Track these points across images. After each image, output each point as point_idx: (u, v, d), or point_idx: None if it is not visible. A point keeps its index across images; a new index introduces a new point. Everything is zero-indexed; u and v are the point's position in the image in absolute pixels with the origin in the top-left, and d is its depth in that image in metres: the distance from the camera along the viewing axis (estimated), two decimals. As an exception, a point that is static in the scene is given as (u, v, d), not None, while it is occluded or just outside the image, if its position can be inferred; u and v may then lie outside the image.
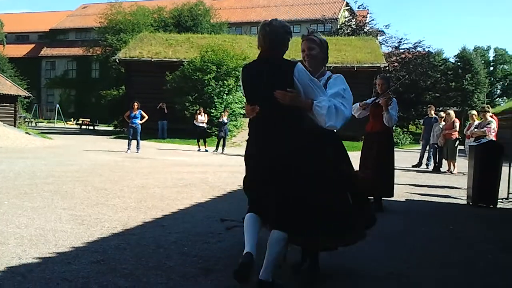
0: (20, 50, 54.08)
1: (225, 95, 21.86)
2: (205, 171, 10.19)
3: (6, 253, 3.70)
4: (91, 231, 4.52)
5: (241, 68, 3.29)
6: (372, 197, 6.01)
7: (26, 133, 20.82)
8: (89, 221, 4.92)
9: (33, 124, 35.80)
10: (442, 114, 13.08)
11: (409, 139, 27.99)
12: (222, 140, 17.33)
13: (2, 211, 5.26)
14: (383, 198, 6.19)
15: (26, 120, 33.88)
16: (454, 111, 14.03)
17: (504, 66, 59.63)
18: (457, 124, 12.33)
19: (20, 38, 56.33)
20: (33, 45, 55.98)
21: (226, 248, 4.08)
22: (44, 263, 3.49)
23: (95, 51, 41.39)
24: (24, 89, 30.85)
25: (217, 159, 14.16)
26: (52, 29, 55.64)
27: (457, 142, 12.33)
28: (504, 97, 57.01)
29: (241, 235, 4.51)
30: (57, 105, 44.59)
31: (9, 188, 6.87)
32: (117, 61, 26.45)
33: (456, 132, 12.26)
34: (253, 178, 3.20)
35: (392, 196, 6.27)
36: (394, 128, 6.68)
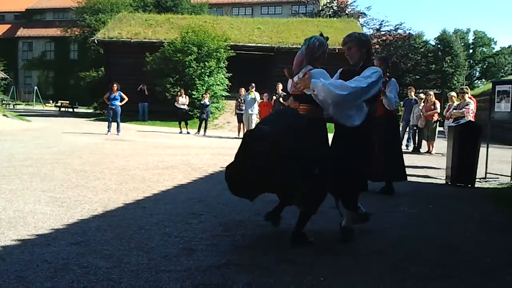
0: (-4, 31, 52.72)
1: (206, 77, 21.66)
2: (187, 153, 10.14)
3: (-17, 235, 3.64)
4: (71, 213, 4.47)
5: None
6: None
7: (4, 115, 20.37)
8: (69, 203, 4.87)
9: (11, 107, 35.02)
10: (422, 95, 13.20)
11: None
12: (204, 122, 17.26)
13: (-21, 193, 5.17)
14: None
15: (3, 102, 33.12)
16: (434, 93, 14.15)
17: (483, 48, 60.30)
18: (438, 105, 12.46)
19: (-5, 18, 54.87)
20: (9, 26, 54.47)
21: (207, 229, 4.08)
22: (23, 245, 3.45)
23: (73, 31, 40.44)
24: (1, 70, 30.16)
25: (199, 141, 14.10)
26: (28, 9, 54.16)
27: (437, 123, 12.48)
28: (483, 79, 57.75)
29: (222, 217, 4.54)
30: (35, 87, 43.74)
31: (-14, 170, 6.75)
32: (96, 42, 25.93)
33: (437, 114, 12.40)
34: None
35: (406, 179, 6.31)
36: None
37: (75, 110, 35.55)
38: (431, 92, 12.98)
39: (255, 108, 15.84)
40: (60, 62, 50.65)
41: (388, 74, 6.07)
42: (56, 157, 8.46)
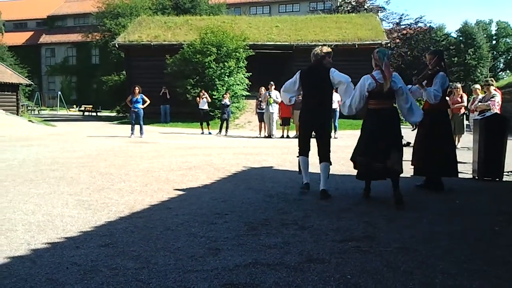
0: (19, 38, 53.72)
1: (226, 77, 21.73)
2: (209, 153, 10.18)
3: (14, 239, 3.73)
4: (98, 215, 4.54)
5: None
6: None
7: (29, 121, 20.84)
8: (96, 206, 4.94)
9: (36, 112, 35.78)
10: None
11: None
12: (225, 122, 17.31)
13: (8, 198, 5.29)
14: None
15: (28, 108, 33.87)
16: (458, 86, 13.88)
17: (507, 39, 58.91)
18: (465, 98, 12.18)
19: (18, 26, 55.92)
20: (31, 33, 55.60)
21: (232, 228, 4.10)
22: (53, 248, 3.52)
23: (94, 36, 41.04)
24: (25, 77, 30.80)
25: (220, 141, 14.16)
26: (50, 16, 55.17)
27: (464, 116, 12.23)
28: (507, 71, 56.52)
29: (246, 216, 4.55)
30: (59, 92, 44.49)
31: (14, 175, 6.89)
32: (117, 46, 26.26)
33: (463, 107, 12.15)
34: (304, 133, 5.90)
35: (457, 175, 6.26)
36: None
37: (99, 114, 36.05)
38: (459, 85, 12.66)
39: (276, 107, 15.81)
40: (82, 67, 51.48)
41: (437, 68, 6.04)
42: (82, 161, 8.60)
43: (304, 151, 5.81)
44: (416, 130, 6.54)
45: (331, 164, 5.68)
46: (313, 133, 5.79)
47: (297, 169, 6.33)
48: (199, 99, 17.84)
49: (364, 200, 5.42)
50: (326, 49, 5.78)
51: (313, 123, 5.73)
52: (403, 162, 5.26)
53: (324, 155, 5.63)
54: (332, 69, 5.62)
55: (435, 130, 6.03)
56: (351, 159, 5.61)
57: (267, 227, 4.17)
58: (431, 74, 6.04)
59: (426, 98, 6.03)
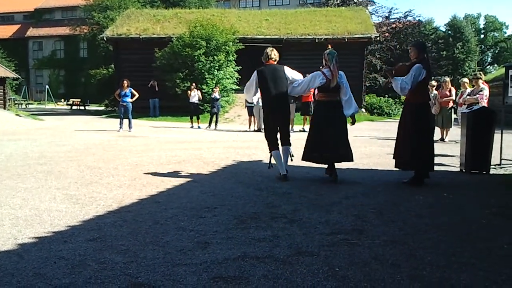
0: (6, 31, 52.98)
1: (215, 70, 21.64)
2: (199, 147, 10.16)
3: (1, 234, 3.69)
4: (86, 209, 4.51)
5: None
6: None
7: (17, 115, 20.63)
8: (84, 200, 4.91)
9: (23, 106, 35.40)
10: (433, 83, 13.01)
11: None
12: (214, 116, 17.27)
13: (-5, 193, 5.23)
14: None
15: (16, 102, 33.48)
16: (446, 80, 13.96)
17: (495, 33, 59.40)
18: (454, 92, 12.26)
19: (5, 19, 55.11)
20: (18, 26, 54.82)
21: (222, 222, 4.09)
22: (40, 243, 3.49)
23: (82, 29, 40.56)
24: (12, 70, 30.41)
25: (210, 135, 14.12)
26: (37, 9, 54.42)
27: (452, 110, 12.32)
28: (495, 65, 56.95)
29: (235, 210, 4.54)
30: (47, 86, 44.04)
31: (1, 170, 6.83)
32: (105, 39, 26.00)
33: (452, 100, 12.23)
34: (271, 130, 6.43)
35: (432, 169, 6.17)
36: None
37: (87, 108, 35.78)
38: (447, 79, 12.74)
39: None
40: (70, 60, 50.95)
41: (415, 59, 6.02)
42: (70, 155, 8.53)
43: (274, 145, 6.38)
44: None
45: (291, 146, 6.53)
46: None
47: (288, 163, 6.42)
48: (190, 92, 17.77)
49: (352, 193, 5.43)
50: (276, 52, 6.65)
51: (276, 119, 6.40)
52: (351, 149, 6.20)
53: (286, 139, 6.47)
54: (286, 67, 6.49)
55: (412, 123, 5.98)
56: (305, 159, 6.33)
57: (256, 220, 4.17)
58: (408, 66, 6.03)
59: (394, 88, 6.08)
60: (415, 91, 5.95)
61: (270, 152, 6.41)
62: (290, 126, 15.63)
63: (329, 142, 6.05)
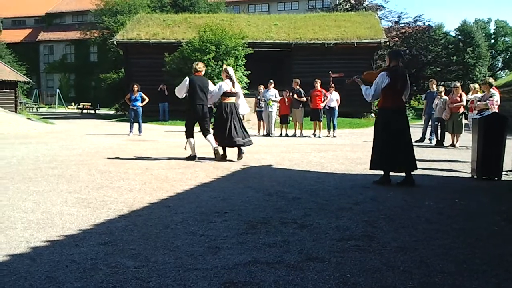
0: (17, 35, 53.60)
1: (225, 75, 21.66)
2: (209, 151, 10.15)
3: (14, 237, 3.72)
4: (97, 213, 4.54)
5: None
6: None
7: (28, 118, 20.78)
8: (95, 204, 4.94)
9: (34, 110, 35.67)
10: (441, 88, 12.94)
11: (411, 114, 27.90)
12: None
13: (8, 196, 5.28)
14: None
15: (27, 105, 33.79)
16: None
17: (505, 38, 58.99)
18: (464, 97, 12.18)
19: (16, 23, 55.82)
20: (30, 30, 55.48)
21: (232, 227, 4.10)
22: (52, 246, 3.51)
23: (92, 34, 40.92)
24: (23, 74, 30.71)
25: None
26: (48, 13, 55.00)
27: (463, 115, 12.24)
28: (506, 70, 56.56)
29: (245, 215, 4.55)
30: (58, 90, 44.43)
31: (13, 173, 6.89)
32: (115, 43, 26.20)
33: (462, 106, 12.15)
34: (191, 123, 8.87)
35: (400, 171, 6.44)
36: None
37: (97, 111, 36.00)
38: (458, 84, 12.64)
39: (275, 105, 15.80)
40: (81, 64, 51.45)
41: (388, 66, 6.44)
42: (81, 159, 8.59)
43: (191, 134, 8.72)
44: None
45: (210, 133, 8.73)
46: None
47: (297, 168, 6.48)
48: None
49: (363, 199, 5.42)
50: (202, 65, 9.13)
51: (196, 115, 8.69)
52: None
53: (206, 131, 8.86)
54: (208, 80, 8.99)
55: (388, 127, 6.26)
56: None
57: (266, 225, 4.17)
58: (376, 74, 6.43)
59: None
60: (384, 97, 6.33)
61: (187, 138, 8.69)
62: (299, 130, 15.90)
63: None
